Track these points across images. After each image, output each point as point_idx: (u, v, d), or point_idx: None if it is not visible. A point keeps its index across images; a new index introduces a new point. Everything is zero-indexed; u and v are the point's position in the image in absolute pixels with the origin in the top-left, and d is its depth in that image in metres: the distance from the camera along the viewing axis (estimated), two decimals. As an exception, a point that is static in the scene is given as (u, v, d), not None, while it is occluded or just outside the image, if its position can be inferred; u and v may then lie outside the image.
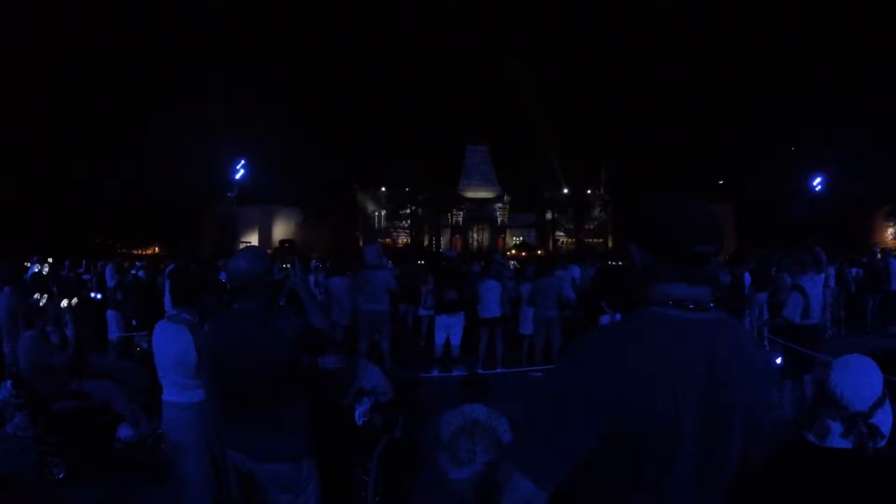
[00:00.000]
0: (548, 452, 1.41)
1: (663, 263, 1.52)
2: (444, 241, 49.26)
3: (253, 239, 40.80)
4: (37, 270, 13.78)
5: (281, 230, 42.12)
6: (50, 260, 15.94)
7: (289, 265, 3.52)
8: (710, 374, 1.45)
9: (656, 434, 1.41)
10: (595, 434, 1.41)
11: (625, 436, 1.41)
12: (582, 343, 1.52)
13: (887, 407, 2.28)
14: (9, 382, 6.26)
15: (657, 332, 1.47)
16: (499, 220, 50.85)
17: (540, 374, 9.46)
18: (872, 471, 2.21)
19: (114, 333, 10.69)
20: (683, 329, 1.48)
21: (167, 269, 11.92)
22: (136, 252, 34.84)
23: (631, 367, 1.40)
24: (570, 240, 50.95)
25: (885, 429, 2.25)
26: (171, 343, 3.95)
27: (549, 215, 51.19)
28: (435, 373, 9.56)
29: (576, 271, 11.64)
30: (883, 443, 2.24)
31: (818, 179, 33.69)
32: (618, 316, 9.22)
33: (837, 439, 2.26)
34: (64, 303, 9.07)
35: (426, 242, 49.92)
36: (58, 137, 30.05)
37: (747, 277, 11.34)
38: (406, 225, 50.78)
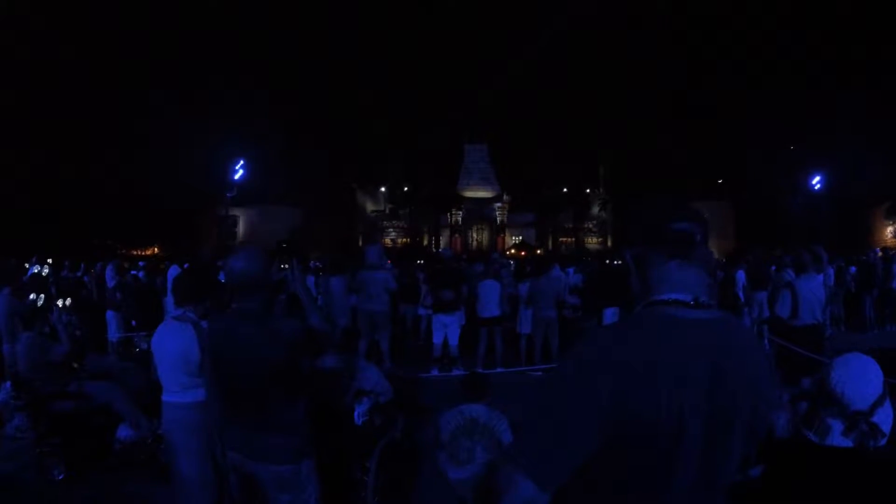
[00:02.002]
0: (550, 453, 1.40)
1: (652, 248, 1.56)
2: (443, 240, 49.22)
3: (251, 239, 40.75)
4: (36, 271, 13.78)
5: (280, 230, 42.09)
6: (49, 261, 15.93)
7: (287, 266, 3.52)
8: (712, 373, 1.45)
9: (659, 434, 1.41)
10: (597, 434, 1.40)
11: (627, 436, 1.41)
12: (584, 343, 1.52)
13: (888, 405, 2.28)
14: (8, 384, 6.27)
15: (659, 332, 1.47)
16: (498, 219, 50.78)
17: (540, 373, 9.46)
18: (873, 470, 2.21)
19: (113, 334, 10.70)
20: (685, 328, 1.48)
21: (168, 271, 11.92)
22: (135, 253, 34.83)
23: (633, 366, 1.40)
24: (569, 239, 50.90)
25: (886, 427, 2.25)
26: (173, 341, 3.95)
27: (548, 215, 51.15)
28: (434, 372, 9.57)
29: (570, 273, 11.69)
30: (884, 441, 2.24)
31: (817, 178, 33.71)
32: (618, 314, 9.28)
33: (838, 438, 2.25)
34: (59, 302, 9.08)
35: (425, 242, 49.88)
36: (58, 138, 30.03)
37: (740, 276, 11.38)
38: (405, 225, 50.73)
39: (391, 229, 50.59)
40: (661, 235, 1.55)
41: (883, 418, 2.25)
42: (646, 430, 1.40)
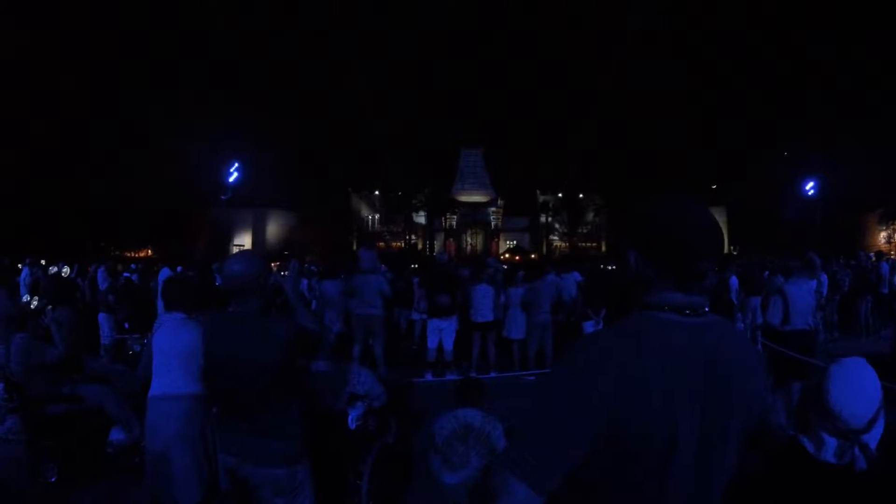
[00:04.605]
0: (544, 457, 1.40)
1: (660, 275, 1.52)
2: (437, 244, 49.30)
3: (246, 242, 40.74)
4: (55, 272, 13.74)
5: (275, 233, 42.03)
6: (43, 262, 15.88)
7: (285, 272, 3.54)
8: (707, 377, 1.46)
9: (653, 438, 1.41)
10: (592, 438, 1.40)
11: (621, 439, 1.41)
12: (578, 347, 1.52)
13: (881, 419, 2.26)
14: (0, 385, 6.24)
15: (654, 336, 1.46)
16: (493, 223, 50.90)
17: (533, 378, 9.46)
18: (867, 486, 2.20)
19: (106, 336, 10.65)
20: (680, 333, 1.48)
21: (159, 273, 11.90)
22: (129, 255, 34.77)
23: (628, 370, 1.40)
24: (563, 244, 51.02)
25: (874, 442, 2.23)
26: (187, 333, 3.94)
27: (542, 219, 51.23)
28: (428, 377, 9.55)
29: (576, 276, 11.70)
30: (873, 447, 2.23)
31: (811, 184, 33.86)
32: (601, 323, 9.30)
33: (832, 455, 2.23)
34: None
35: (420, 246, 49.94)
36: (57, 138, 30.00)
37: (734, 281, 11.38)
38: (400, 229, 50.78)
39: (385, 233, 50.67)
40: (678, 271, 1.50)
41: (875, 433, 2.23)
42: (640, 433, 1.40)
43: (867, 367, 2.28)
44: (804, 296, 7.40)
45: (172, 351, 3.99)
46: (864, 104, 30.20)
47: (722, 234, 1.56)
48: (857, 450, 2.18)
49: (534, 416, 1.47)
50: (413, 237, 50.98)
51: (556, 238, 51.89)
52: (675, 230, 1.51)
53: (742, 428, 1.53)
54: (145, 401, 4.10)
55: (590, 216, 51.74)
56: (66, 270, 14.19)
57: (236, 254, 3.40)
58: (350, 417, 4.63)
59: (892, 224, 36.21)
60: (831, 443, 2.22)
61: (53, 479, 5.40)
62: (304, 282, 12.88)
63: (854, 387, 2.22)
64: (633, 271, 1.56)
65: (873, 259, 14.61)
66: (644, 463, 1.44)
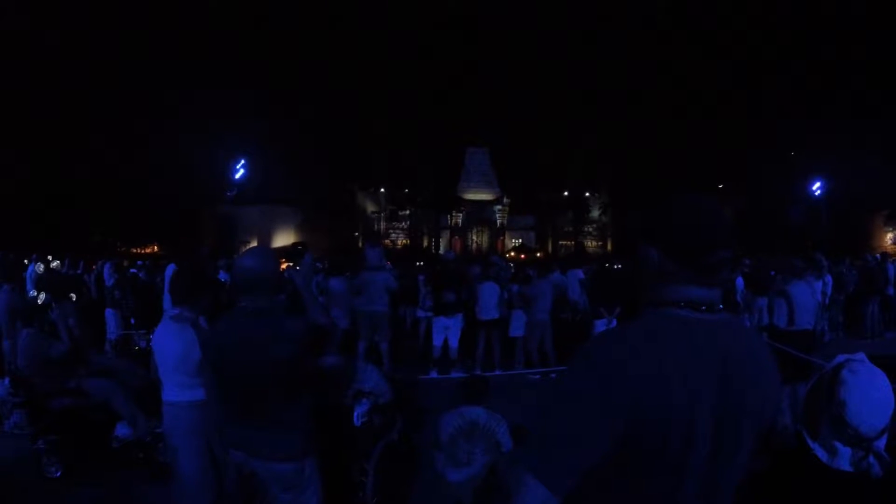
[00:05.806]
0: (562, 456, 1.39)
1: (678, 268, 1.52)
2: (443, 242, 49.33)
3: (252, 239, 40.72)
4: (45, 266, 13.78)
5: (280, 231, 42.02)
6: (50, 257, 15.92)
7: (298, 267, 3.53)
8: (723, 374, 1.46)
9: (670, 435, 1.40)
10: (609, 436, 1.40)
11: (639, 437, 1.41)
12: (595, 345, 1.51)
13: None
14: (7, 380, 6.26)
15: (671, 333, 1.46)
16: (498, 222, 50.85)
17: (538, 376, 9.45)
18: (883, 489, 2.17)
19: (112, 332, 10.69)
20: (696, 330, 1.48)
21: (166, 269, 11.92)
22: (135, 251, 34.84)
23: (646, 367, 1.40)
24: (569, 242, 50.96)
25: (882, 445, 2.20)
26: (173, 341, 3.94)
27: (548, 217, 51.21)
28: (433, 374, 9.55)
29: (580, 274, 11.68)
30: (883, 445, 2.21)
31: (817, 184, 33.73)
32: (614, 321, 9.28)
33: (846, 464, 2.20)
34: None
35: (425, 244, 49.94)
36: (58, 137, 29.99)
37: (739, 282, 11.36)
38: (405, 226, 50.79)
39: (391, 230, 50.68)
40: (695, 263, 1.50)
41: (884, 437, 2.20)
42: (658, 431, 1.40)
43: (881, 374, 2.20)
44: (808, 296, 7.41)
45: (166, 358, 4.00)
46: (870, 104, 30.05)
47: (735, 230, 1.57)
48: (871, 457, 2.15)
49: (551, 415, 1.46)
50: (418, 235, 50.93)
51: (561, 236, 51.80)
52: (690, 223, 1.52)
53: (754, 427, 1.52)
54: (156, 399, 4.14)
55: (595, 214, 51.63)
56: (55, 264, 14.25)
57: (249, 249, 3.40)
58: (355, 414, 4.63)
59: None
60: (845, 452, 2.18)
61: (58, 474, 5.42)
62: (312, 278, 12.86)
63: (872, 397, 2.15)
64: (649, 267, 1.56)
65: (879, 260, 14.54)
66: (660, 461, 1.43)
